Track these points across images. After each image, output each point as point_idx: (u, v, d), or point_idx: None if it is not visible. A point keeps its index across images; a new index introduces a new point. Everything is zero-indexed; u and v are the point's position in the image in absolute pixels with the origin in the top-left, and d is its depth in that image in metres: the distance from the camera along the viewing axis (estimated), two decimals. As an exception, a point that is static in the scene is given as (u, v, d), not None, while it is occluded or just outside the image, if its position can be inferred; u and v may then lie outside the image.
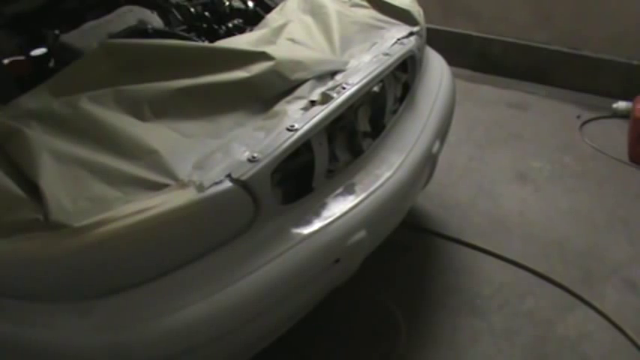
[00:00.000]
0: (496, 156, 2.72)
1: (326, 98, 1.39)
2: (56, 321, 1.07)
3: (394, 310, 1.88)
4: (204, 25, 1.77)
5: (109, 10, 1.66)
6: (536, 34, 3.34)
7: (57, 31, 1.53)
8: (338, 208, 1.37)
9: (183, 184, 1.12)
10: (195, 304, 1.11)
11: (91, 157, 1.13)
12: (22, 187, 1.06)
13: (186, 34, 1.65)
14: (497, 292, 1.98)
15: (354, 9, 1.83)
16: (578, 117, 3.03)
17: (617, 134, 2.87)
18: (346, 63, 1.55)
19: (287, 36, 1.58)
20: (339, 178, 1.46)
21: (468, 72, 3.47)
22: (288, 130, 1.27)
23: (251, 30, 1.70)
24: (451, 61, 2.13)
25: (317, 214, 1.35)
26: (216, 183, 1.13)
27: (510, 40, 3.42)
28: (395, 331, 1.82)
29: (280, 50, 1.47)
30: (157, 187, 1.12)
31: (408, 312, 1.88)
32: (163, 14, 1.76)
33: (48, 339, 1.07)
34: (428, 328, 1.85)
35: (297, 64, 1.44)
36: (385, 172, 1.51)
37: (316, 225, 1.32)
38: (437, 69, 1.99)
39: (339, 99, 1.39)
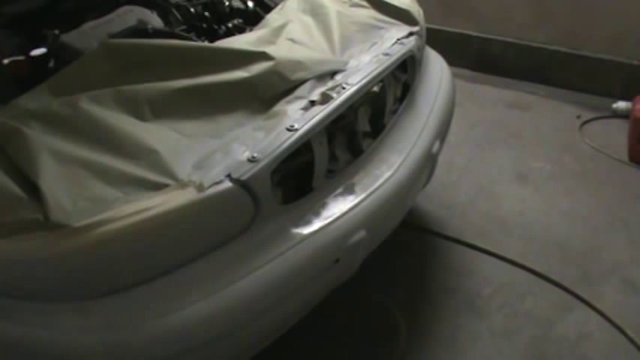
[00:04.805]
0: (496, 156, 2.72)
1: (326, 98, 1.39)
2: (56, 321, 1.07)
3: (394, 310, 1.88)
4: (204, 25, 1.77)
5: (109, 10, 1.66)
6: (536, 34, 3.34)
7: (57, 31, 1.53)
8: (338, 208, 1.37)
9: (183, 184, 1.12)
10: (195, 304, 1.11)
11: (91, 157, 1.13)
12: (22, 187, 1.06)
13: (186, 34, 1.65)
14: (496, 292, 1.98)
15: (353, 9, 1.83)
16: (578, 117, 3.03)
17: (616, 134, 2.86)
18: (346, 63, 1.56)
19: (287, 36, 1.58)
20: (339, 178, 1.46)
21: (467, 72, 3.47)
22: (288, 130, 1.27)
23: (251, 30, 1.71)
24: (451, 61, 2.13)
25: (317, 214, 1.35)
26: (216, 183, 1.13)
27: (510, 40, 3.42)
28: (395, 331, 1.82)
29: (280, 50, 1.47)
30: (157, 187, 1.12)
31: (408, 312, 1.88)
32: (163, 14, 1.75)
33: (48, 339, 1.07)
34: (428, 328, 1.85)
35: (297, 64, 1.44)
36: (385, 172, 1.51)
37: (316, 225, 1.32)
38: (437, 69, 1.99)
39: (338, 99, 1.39)
